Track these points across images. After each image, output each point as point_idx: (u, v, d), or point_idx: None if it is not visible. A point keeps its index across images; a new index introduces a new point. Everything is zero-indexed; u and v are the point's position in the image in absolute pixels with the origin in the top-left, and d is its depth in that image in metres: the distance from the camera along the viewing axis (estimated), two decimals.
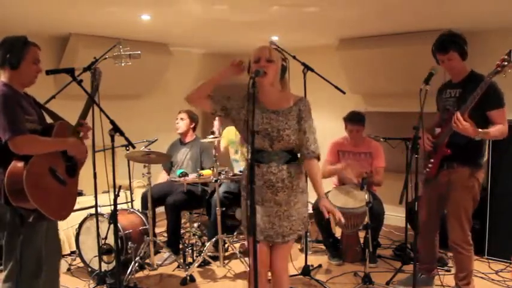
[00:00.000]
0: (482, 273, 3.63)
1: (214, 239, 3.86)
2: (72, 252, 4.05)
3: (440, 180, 3.12)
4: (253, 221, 2.00)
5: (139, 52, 3.39)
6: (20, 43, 2.35)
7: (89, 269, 3.69)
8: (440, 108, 3.18)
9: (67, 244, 4.11)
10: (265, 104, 2.39)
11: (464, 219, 3.01)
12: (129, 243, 3.61)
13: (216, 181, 3.80)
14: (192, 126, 4.43)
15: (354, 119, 4.04)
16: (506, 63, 2.69)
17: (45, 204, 2.26)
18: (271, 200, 2.36)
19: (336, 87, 3.48)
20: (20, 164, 2.22)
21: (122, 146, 3.46)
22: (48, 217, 2.29)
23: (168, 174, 4.52)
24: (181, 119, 4.41)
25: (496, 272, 3.68)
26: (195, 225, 4.51)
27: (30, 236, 2.32)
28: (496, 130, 2.88)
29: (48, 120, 2.57)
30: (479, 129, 2.82)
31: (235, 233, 4.40)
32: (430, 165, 3.13)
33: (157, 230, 4.56)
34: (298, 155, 2.43)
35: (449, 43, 2.96)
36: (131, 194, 4.35)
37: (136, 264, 3.61)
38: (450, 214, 3.08)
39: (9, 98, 2.25)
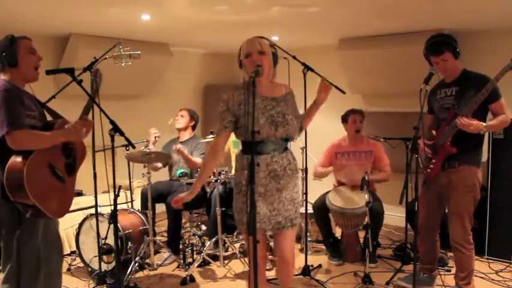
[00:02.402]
0: (482, 273, 3.63)
1: (214, 238, 3.86)
2: (72, 252, 4.05)
3: (440, 181, 3.12)
4: (252, 221, 1.99)
5: (139, 52, 3.39)
6: (9, 41, 2.33)
7: (89, 269, 3.69)
8: (437, 108, 3.19)
9: (67, 244, 4.11)
10: (261, 92, 2.42)
11: (466, 218, 3.01)
12: (129, 243, 3.61)
13: (216, 181, 3.80)
14: (191, 124, 4.43)
15: (356, 110, 4.11)
16: None
17: (43, 201, 2.24)
18: (273, 188, 2.40)
19: (336, 87, 3.46)
20: (20, 159, 2.20)
21: (122, 146, 3.47)
22: (45, 214, 2.26)
23: (166, 168, 4.49)
24: (182, 115, 4.41)
25: (496, 272, 3.68)
26: (202, 226, 4.43)
27: (28, 233, 2.30)
28: (498, 121, 2.94)
29: (49, 119, 2.56)
30: (483, 123, 2.88)
31: (235, 233, 4.39)
32: (431, 166, 3.13)
33: (157, 230, 4.55)
34: (290, 143, 2.54)
35: (442, 44, 2.99)
36: (131, 194, 4.35)
37: (136, 264, 3.60)
38: (452, 213, 3.08)
39: (10, 92, 2.24)
